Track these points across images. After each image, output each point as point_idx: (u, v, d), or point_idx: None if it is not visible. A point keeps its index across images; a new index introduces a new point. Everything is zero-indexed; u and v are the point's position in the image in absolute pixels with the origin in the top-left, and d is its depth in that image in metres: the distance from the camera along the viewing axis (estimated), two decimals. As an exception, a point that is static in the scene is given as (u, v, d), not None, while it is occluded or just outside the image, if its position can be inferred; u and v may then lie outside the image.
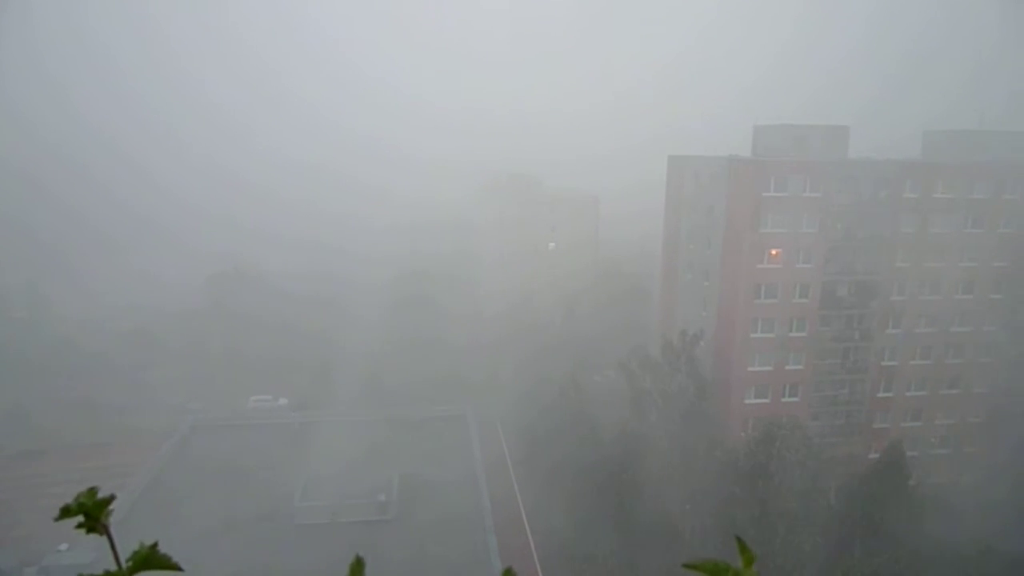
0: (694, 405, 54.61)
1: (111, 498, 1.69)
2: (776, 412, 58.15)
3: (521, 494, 58.26)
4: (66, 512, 1.65)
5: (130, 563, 1.63)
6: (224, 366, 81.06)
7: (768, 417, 54.05)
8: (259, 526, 49.53)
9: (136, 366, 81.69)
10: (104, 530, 1.69)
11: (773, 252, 60.41)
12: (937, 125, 72.73)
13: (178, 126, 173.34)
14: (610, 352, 75.41)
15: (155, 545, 1.67)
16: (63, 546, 48.09)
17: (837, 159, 62.47)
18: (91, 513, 1.67)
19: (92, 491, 1.68)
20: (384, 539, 49.33)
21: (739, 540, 1.75)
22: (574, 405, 59.69)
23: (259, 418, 70.25)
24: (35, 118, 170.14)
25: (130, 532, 48.88)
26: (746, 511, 45.03)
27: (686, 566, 1.63)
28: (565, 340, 79.29)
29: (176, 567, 1.66)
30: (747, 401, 61.98)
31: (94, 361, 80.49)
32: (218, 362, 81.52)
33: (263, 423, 68.53)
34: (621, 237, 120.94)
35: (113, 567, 1.68)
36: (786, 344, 61.56)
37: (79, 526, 1.69)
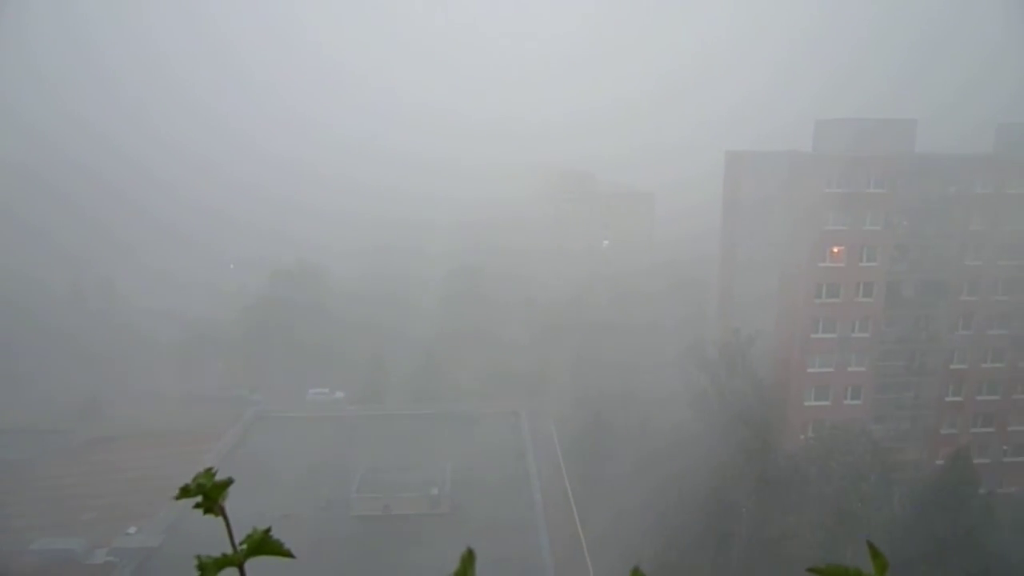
0: (752, 406, 53.55)
1: (229, 481, 1.72)
2: (837, 415, 56.49)
3: (573, 492, 58.12)
4: (185, 492, 1.69)
5: (244, 547, 1.65)
6: (285, 359, 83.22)
7: (830, 420, 52.56)
8: (317, 516, 50.74)
9: (202, 357, 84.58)
10: (220, 512, 1.72)
11: (835, 250, 58.66)
12: (1011, 118, 69.40)
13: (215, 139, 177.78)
14: (666, 351, 74.56)
15: (268, 530, 1.68)
16: (131, 529, 50.18)
17: (904, 154, 60.21)
18: (209, 495, 1.69)
19: (209, 472, 1.73)
20: (436, 533, 49.89)
21: (870, 545, 1.70)
22: (629, 404, 59.29)
23: (317, 410, 71.98)
24: (88, 120, 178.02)
25: (193, 521, 50.75)
26: (805, 515, 43.98)
27: (811, 571, 1.59)
28: (620, 338, 78.68)
29: (288, 554, 1.69)
30: (807, 403, 60.37)
31: (163, 352, 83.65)
32: (279, 355, 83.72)
33: (321, 415, 70.13)
34: (677, 233, 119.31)
35: (228, 549, 1.70)
36: (848, 345, 59.69)
37: (196, 506, 1.70)
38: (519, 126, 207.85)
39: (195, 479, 1.71)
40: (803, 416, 59.99)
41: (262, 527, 1.67)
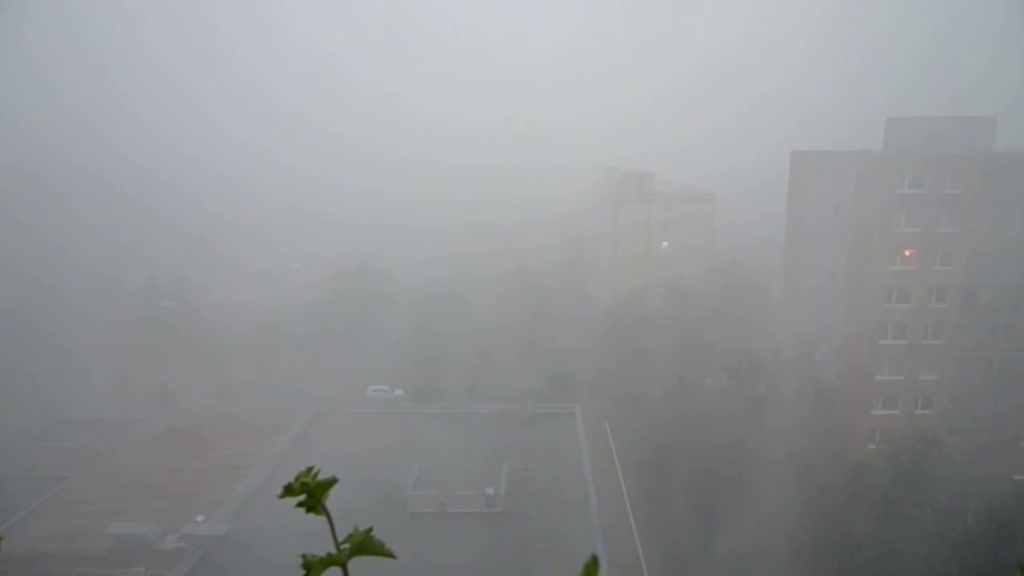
0: (814, 413, 52.09)
1: (332, 481, 1.73)
2: (907, 425, 54.34)
3: (629, 496, 57.58)
4: (288, 491, 1.68)
5: (346, 546, 1.66)
6: (346, 356, 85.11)
7: (899, 430, 50.63)
8: (375, 511, 51.66)
9: (268, 351, 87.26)
10: (324, 511, 1.73)
11: (907, 253, 56.49)
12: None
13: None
14: (724, 354, 73.26)
15: (370, 530, 1.70)
16: (199, 518, 52.10)
17: (981, 153, 57.53)
18: (312, 494, 1.69)
19: (311, 471, 1.73)
20: (491, 532, 50.17)
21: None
22: (685, 408, 58.41)
23: (376, 407, 73.36)
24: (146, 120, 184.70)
25: (257, 511, 52.37)
26: (872, 528, 42.50)
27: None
28: (677, 341, 77.63)
29: (389, 554, 1.69)
30: (874, 412, 58.34)
31: (232, 347, 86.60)
32: (341, 352, 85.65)
33: (380, 412, 71.42)
34: (740, 234, 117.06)
35: (331, 549, 1.71)
36: (920, 352, 57.40)
37: (299, 505, 1.69)
38: (556, 126, 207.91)
39: (298, 478, 1.70)
40: (870, 425, 58.00)
41: (363, 527, 1.69)
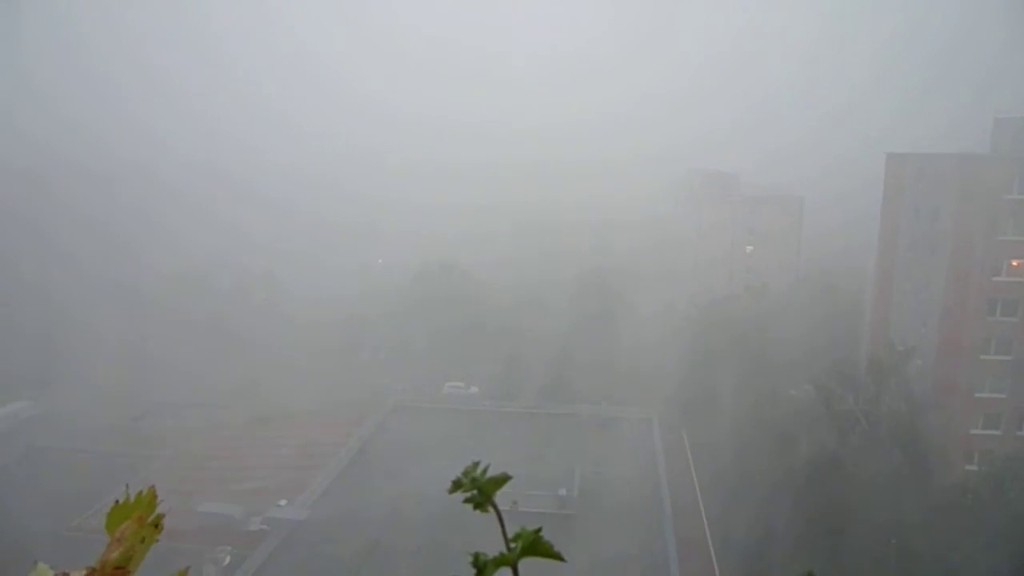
0: (906, 430, 49.42)
1: (505, 478, 1.64)
2: (1009, 446, 50.93)
3: (705, 507, 56.31)
4: (457, 486, 1.64)
5: (516, 545, 1.60)
6: (425, 352, 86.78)
7: (1000, 451, 47.53)
8: (447, 505, 52.40)
9: (350, 347, 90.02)
10: (494, 508, 1.67)
11: (1014, 263, 52.97)
12: None
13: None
14: (810, 365, 70.56)
15: (539, 530, 1.61)
16: (282, 502, 54.31)
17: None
18: (483, 490, 1.64)
19: (476, 465, 1.67)
20: (563, 534, 50.14)
21: None
22: (768, 421, 56.53)
23: (452, 403, 74.52)
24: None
25: (335, 498, 54.17)
26: (972, 556, 39.98)
27: None
28: (759, 349, 75.28)
29: (558, 557, 1.63)
30: (973, 431, 54.93)
31: (315, 340, 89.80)
32: (420, 348, 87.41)
33: (455, 408, 72.52)
34: (828, 240, 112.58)
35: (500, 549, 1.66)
36: (1026, 369, 53.73)
37: (467, 501, 1.66)
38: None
39: (466, 472, 1.65)
40: (968, 445, 54.65)
41: (532, 527, 1.64)
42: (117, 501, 1.55)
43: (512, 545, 1.61)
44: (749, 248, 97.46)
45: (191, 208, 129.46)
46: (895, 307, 65.38)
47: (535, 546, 1.61)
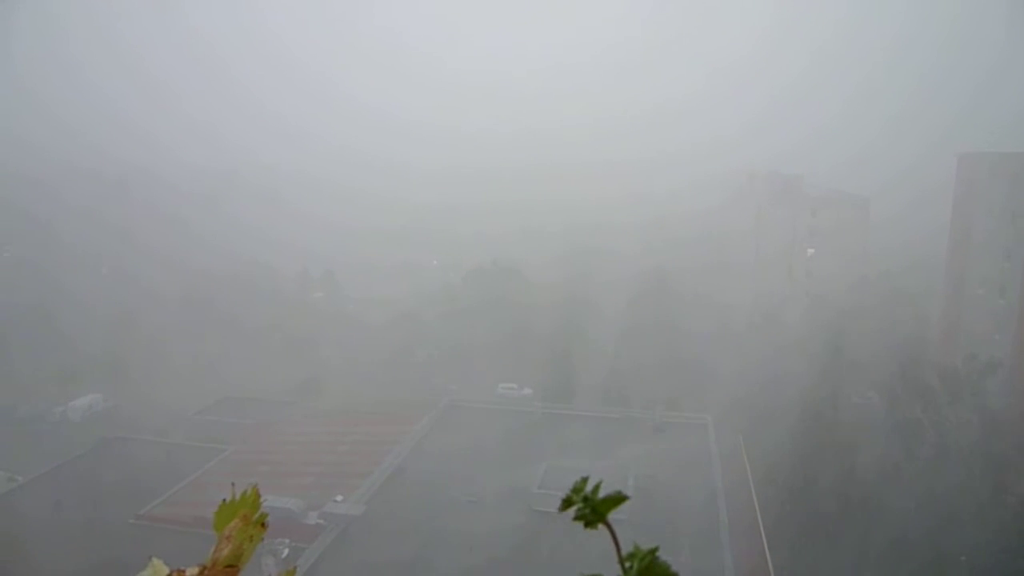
0: (981, 444, 47.27)
1: (621, 498, 1.57)
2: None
3: (762, 516, 54.99)
4: (567, 503, 1.57)
5: (629, 565, 1.53)
6: (478, 352, 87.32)
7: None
8: (500, 506, 52.67)
9: (407, 344, 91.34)
10: (608, 527, 1.59)
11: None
12: None
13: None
14: (875, 371, 68.28)
15: (655, 550, 1.54)
16: (339, 497, 55.33)
17: None
18: (597, 509, 1.55)
19: (586, 482, 1.60)
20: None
21: None
22: (829, 427, 54.89)
23: (505, 404, 74.75)
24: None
25: (390, 495, 54.91)
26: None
27: None
28: (821, 355, 73.24)
29: None
30: (1052, 446, 52.11)
31: (373, 338, 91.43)
32: (473, 348, 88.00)
33: (508, 409, 72.68)
34: (893, 242, 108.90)
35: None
36: (1112, 382, 50.78)
37: (578, 518, 1.56)
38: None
39: (575, 488, 1.56)
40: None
41: (649, 545, 1.57)
42: (224, 500, 1.58)
43: (627, 564, 1.53)
44: (810, 250, 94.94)
45: (223, 214, 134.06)
46: (966, 313, 62.69)
47: (651, 568, 1.53)
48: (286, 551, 48.63)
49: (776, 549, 50.52)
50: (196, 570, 1.48)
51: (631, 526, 50.87)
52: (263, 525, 1.55)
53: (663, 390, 73.48)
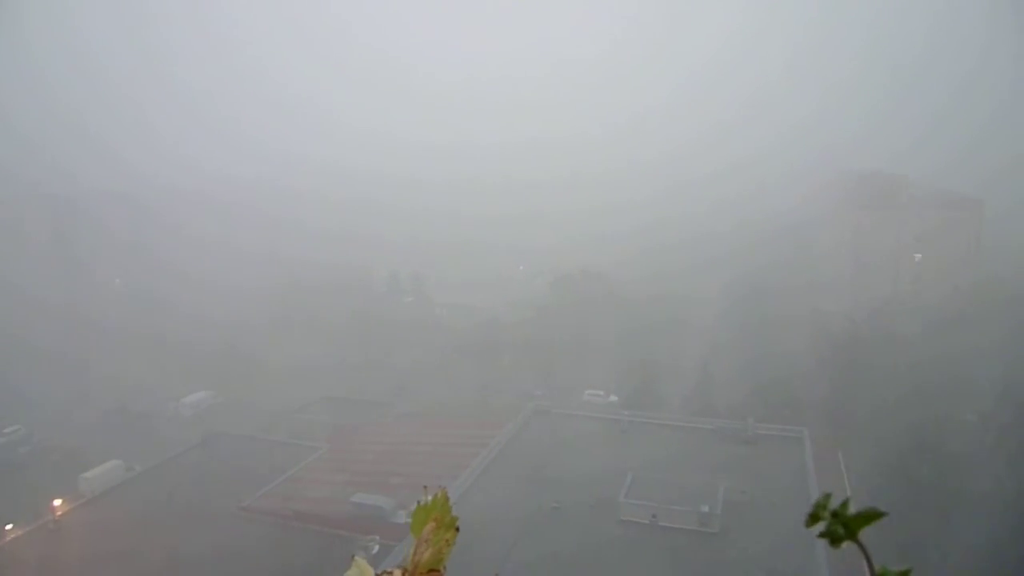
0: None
1: (875, 515, 1.48)
2: None
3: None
4: (814, 519, 1.48)
5: None
6: (565, 359, 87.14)
7: None
8: (585, 514, 52.33)
9: (494, 350, 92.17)
10: (860, 545, 1.50)
11: None
12: None
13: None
14: (988, 387, 63.88)
15: (907, 572, 1.47)
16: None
17: None
18: (849, 525, 1.45)
19: (829, 497, 1.51)
20: (705, 552, 48.41)
21: None
22: (934, 444, 51.66)
23: (591, 411, 74.28)
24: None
25: (476, 496, 55.51)
26: None
27: None
28: (928, 367, 69.07)
29: None
30: None
31: (460, 343, 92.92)
32: (560, 355, 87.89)
33: (594, 416, 72.20)
34: (1009, 246, 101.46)
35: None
36: None
37: (825, 534, 1.49)
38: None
39: (821, 504, 1.46)
40: None
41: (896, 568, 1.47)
42: (418, 503, 1.72)
43: None
44: (917, 256, 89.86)
45: (284, 225, 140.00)
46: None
47: None
48: (376, 547, 49.93)
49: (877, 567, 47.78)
50: (399, 572, 1.61)
51: (723, 539, 49.46)
52: (456, 528, 1.68)
53: (755, 401, 71.07)
